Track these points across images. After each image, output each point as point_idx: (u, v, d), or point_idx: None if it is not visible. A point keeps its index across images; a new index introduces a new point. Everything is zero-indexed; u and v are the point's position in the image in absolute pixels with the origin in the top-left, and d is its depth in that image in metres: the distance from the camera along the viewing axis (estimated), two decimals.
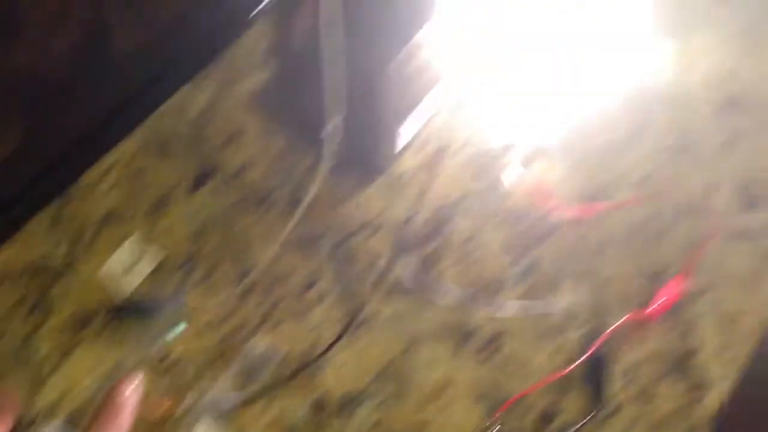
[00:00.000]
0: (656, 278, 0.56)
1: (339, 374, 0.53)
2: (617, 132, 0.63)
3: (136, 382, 0.45)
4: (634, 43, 0.67)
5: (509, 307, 0.55)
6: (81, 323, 0.55)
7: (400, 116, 0.57)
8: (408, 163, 0.62)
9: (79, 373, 0.53)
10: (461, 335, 0.55)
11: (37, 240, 0.58)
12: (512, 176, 0.60)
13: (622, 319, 0.54)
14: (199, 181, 0.60)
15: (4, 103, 0.51)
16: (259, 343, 0.54)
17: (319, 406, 0.52)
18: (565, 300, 0.56)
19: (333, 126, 0.52)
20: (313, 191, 0.54)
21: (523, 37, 0.67)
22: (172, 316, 0.54)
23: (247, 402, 0.52)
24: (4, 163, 0.54)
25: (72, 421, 0.51)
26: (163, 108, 0.64)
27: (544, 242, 0.58)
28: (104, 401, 0.47)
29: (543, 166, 0.61)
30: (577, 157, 0.62)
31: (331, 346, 0.54)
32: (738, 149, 0.62)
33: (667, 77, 0.65)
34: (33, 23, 0.50)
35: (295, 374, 0.53)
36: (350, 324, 0.54)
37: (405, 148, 0.62)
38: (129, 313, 0.54)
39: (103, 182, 0.61)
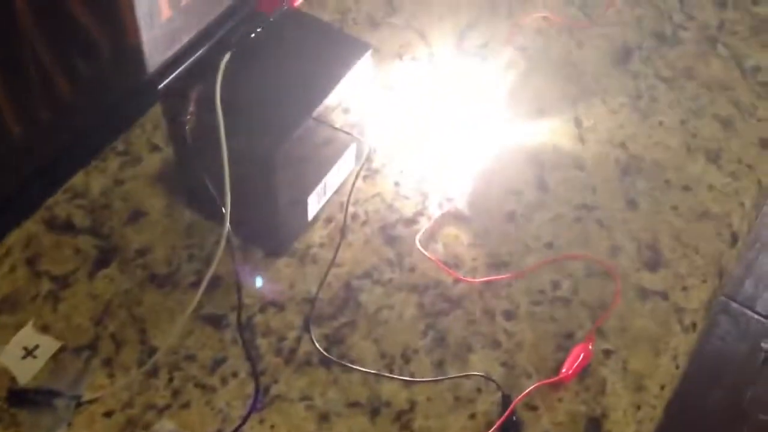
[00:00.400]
0: (566, 341, 0.57)
1: None
2: (522, 199, 0.65)
3: None
4: (531, 113, 0.71)
5: (422, 377, 0.55)
6: None
7: (302, 193, 0.58)
8: (316, 236, 0.62)
9: None
10: (375, 407, 0.54)
11: None
12: (420, 246, 0.62)
13: (535, 384, 0.55)
14: (101, 263, 0.59)
15: None
16: (165, 428, 0.52)
17: None
18: (476, 368, 0.56)
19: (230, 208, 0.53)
20: (213, 268, 0.53)
21: (428, 111, 0.70)
22: (72, 403, 0.52)
23: None
24: None
25: None
26: (62, 189, 0.63)
27: (453, 311, 0.59)
28: None
29: (451, 235, 0.63)
30: (484, 225, 0.63)
31: (239, 426, 0.52)
32: (641, 210, 0.65)
33: (569, 143, 0.69)
34: None
35: None
36: (255, 403, 0.53)
37: (312, 222, 0.62)
38: (24, 402, 0.52)
39: (1, 267, 0.59)
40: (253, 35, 0.53)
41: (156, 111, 0.69)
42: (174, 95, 0.52)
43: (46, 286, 0.58)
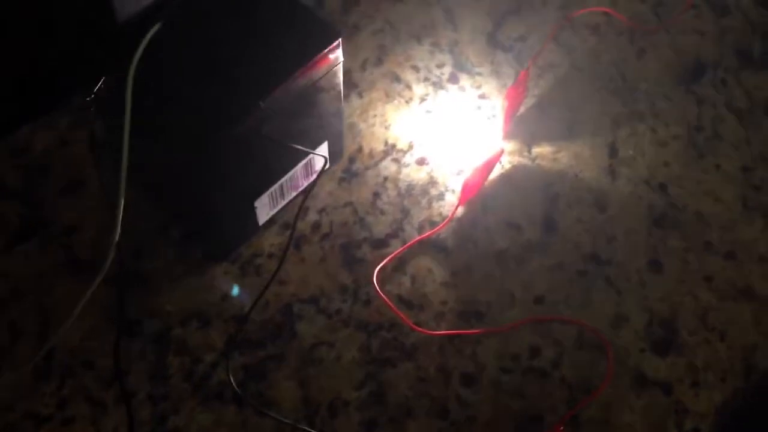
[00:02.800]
0: (529, 426, 0.48)
1: None
2: (519, 236, 0.55)
3: None
4: (557, 130, 0.60)
5: None
6: None
7: (249, 194, 0.50)
8: (266, 243, 0.54)
9: None
10: None
11: None
12: (381, 276, 0.53)
13: None
14: (20, 237, 0.54)
15: None
16: None
17: None
18: None
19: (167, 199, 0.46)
20: (105, 269, 0.46)
21: (434, 110, 0.61)
22: None
23: None
24: None
25: None
26: (2, 143, 0.58)
27: (402, 364, 0.50)
28: None
29: (421, 269, 0.54)
30: (464, 262, 0.54)
31: None
32: (664, 274, 0.54)
33: (595, 175, 0.58)
34: None
35: None
36: None
37: (266, 226, 0.55)
38: None
39: None
40: (196, 6, 0.45)
41: None
42: (86, 75, 0.44)
43: None
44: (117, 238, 0.44)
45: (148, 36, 0.42)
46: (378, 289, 0.52)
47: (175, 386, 0.49)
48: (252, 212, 0.52)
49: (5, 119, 0.58)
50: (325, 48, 0.47)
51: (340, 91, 0.52)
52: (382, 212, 0.56)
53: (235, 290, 0.53)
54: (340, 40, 0.47)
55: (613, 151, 0.59)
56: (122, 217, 0.55)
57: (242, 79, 0.45)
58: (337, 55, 0.49)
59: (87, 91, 0.46)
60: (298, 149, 0.49)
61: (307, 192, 0.55)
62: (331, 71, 0.49)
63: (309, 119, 0.52)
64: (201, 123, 0.43)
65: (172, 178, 0.48)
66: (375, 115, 0.61)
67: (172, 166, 0.46)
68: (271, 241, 0.55)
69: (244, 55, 0.46)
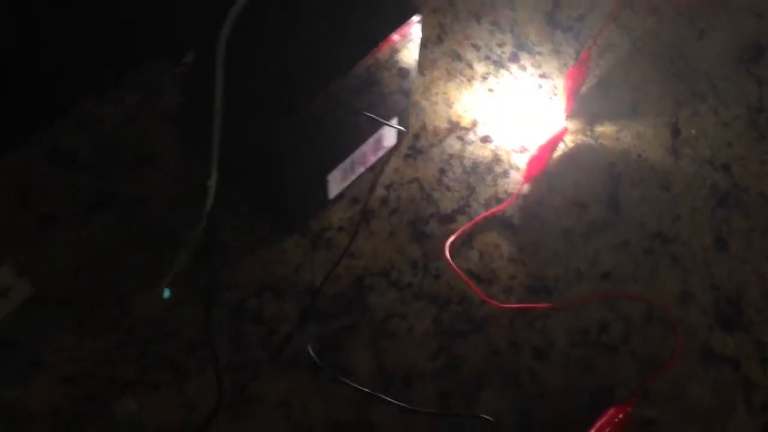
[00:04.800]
0: (602, 398, 0.50)
1: None
2: (585, 214, 0.56)
3: None
4: (620, 111, 0.61)
5: (421, 407, 0.49)
6: None
7: (322, 168, 0.51)
8: (335, 217, 0.56)
9: None
10: (360, 431, 0.49)
11: None
12: (451, 250, 0.54)
13: None
14: (95, 208, 0.55)
15: None
16: (126, 407, 0.49)
17: None
18: (486, 409, 0.49)
19: (238, 173, 0.47)
20: (196, 239, 0.48)
21: (497, 90, 0.62)
22: (30, 360, 0.49)
23: None
24: None
25: None
26: (69, 116, 0.59)
27: (473, 336, 0.52)
28: None
29: (489, 245, 0.55)
30: (531, 239, 0.55)
31: (206, 424, 0.48)
32: (730, 253, 0.55)
33: (658, 155, 0.59)
34: None
35: None
36: (234, 401, 0.49)
37: (335, 200, 0.56)
38: None
39: None
40: None
41: None
42: (179, 39, 0.46)
43: (32, 223, 0.55)
44: (208, 208, 0.45)
45: (237, 8, 0.43)
46: (450, 262, 0.53)
47: (253, 355, 0.51)
48: (323, 186, 0.54)
49: (76, 89, 0.60)
50: (403, 23, 0.48)
51: (413, 68, 0.53)
52: (448, 189, 0.57)
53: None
54: (418, 16, 0.48)
55: (675, 131, 0.60)
56: (194, 192, 0.57)
57: (324, 53, 0.46)
58: (413, 30, 0.50)
59: (169, 62, 0.47)
60: (381, 122, 0.50)
61: (376, 167, 0.57)
62: (406, 47, 0.50)
63: (381, 95, 0.53)
64: (287, 93, 0.45)
65: (251, 150, 0.50)
66: (437, 93, 0.62)
67: (255, 137, 0.47)
68: (340, 215, 0.56)
69: (326, 29, 0.47)
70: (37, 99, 0.57)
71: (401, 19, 0.48)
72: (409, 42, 0.51)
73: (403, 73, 0.53)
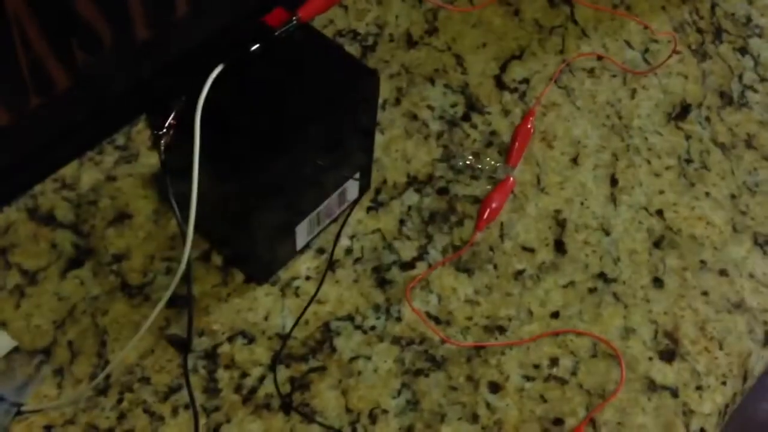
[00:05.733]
0: (553, 428, 0.54)
1: None
2: (535, 258, 0.61)
3: None
4: (562, 162, 0.67)
5: None
6: None
7: (290, 222, 0.56)
8: (303, 267, 0.60)
9: None
10: None
11: None
12: (412, 295, 0.59)
13: None
14: (73, 264, 0.59)
15: None
16: None
17: None
18: None
19: (212, 227, 0.51)
20: (172, 287, 0.52)
21: (449, 145, 0.67)
22: (10, 411, 0.52)
23: None
24: None
25: None
26: (52, 177, 0.63)
27: (434, 374, 0.56)
28: None
29: (446, 288, 0.60)
30: (486, 282, 0.60)
31: None
32: (666, 290, 0.61)
33: (599, 202, 0.65)
34: None
35: None
36: None
37: (302, 251, 0.60)
38: None
39: None
40: (251, 49, 0.51)
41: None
42: (158, 104, 0.50)
43: (14, 279, 0.58)
44: (186, 262, 0.49)
45: (212, 76, 0.48)
46: (411, 306, 0.58)
47: (226, 398, 0.54)
48: (292, 238, 0.58)
49: (55, 158, 0.63)
50: (366, 88, 0.54)
51: (373, 128, 0.58)
52: (408, 238, 0.62)
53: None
54: (378, 81, 0.54)
55: (613, 181, 0.66)
56: (172, 248, 0.61)
57: (291, 116, 0.51)
58: (374, 94, 0.56)
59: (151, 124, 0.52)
60: (343, 176, 0.55)
61: (340, 219, 0.61)
62: (368, 109, 0.56)
63: (345, 153, 0.58)
64: (257, 154, 0.49)
65: (223, 206, 0.54)
66: (397, 150, 0.67)
67: (226, 194, 0.52)
68: (308, 264, 0.60)
69: (293, 94, 0.52)
70: (20, 165, 0.61)
71: (363, 85, 0.54)
72: (371, 105, 0.56)
73: (365, 133, 0.58)
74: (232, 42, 0.53)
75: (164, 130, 0.48)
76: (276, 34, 0.53)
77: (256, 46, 0.52)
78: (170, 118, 0.48)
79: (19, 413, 0.52)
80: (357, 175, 0.60)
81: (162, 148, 0.48)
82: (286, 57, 0.54)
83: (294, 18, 0.54)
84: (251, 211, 0.52)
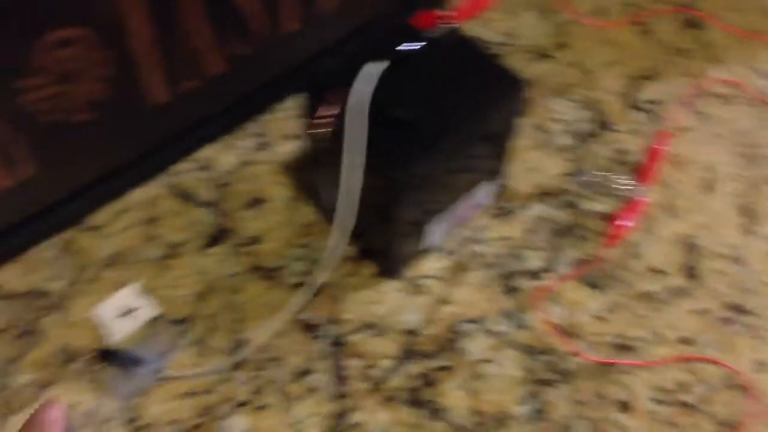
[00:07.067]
0: None
1: None
2: (665, 281, 0.63)
3: (62, 407, 0.48)
4: (695, 187, 0.68)
5: None
6: (65, 360, 0.56)
7: (426, 219, 0.58)
8: (432, 266, 0.62)
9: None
10: None
11: (40, 267, 0.61)
12: (538, 307, 0.61)
13: None
14: (212, 241, 0.62)
15: (33, 130, 0.55)
16: (237, 425, 0.54)
17: None
18: None
19: (337, 220, 0.54)
20: (326, 276, 0.55)
21: (579, 160, 0.69)
22: (154, 374, 0.55)
23: None
24: (22, 185, 0.57)
25: None
26: (191, 160, 0.67)
27: (561, 386, 0.57)
28: (31, 419, 0.49)
29: (576, 302, 0.61)
30: (614, 300, 0.62)
31: None
32: None
33: (733, 232, 0.65)
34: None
35: None
36: (336, 427, 0.54)
37: (430, 252, 0.63)
38: (113, 360, 0.55)
39: (117, 222, 0.63)
40: (408, 50, 0.54)
41: (297, 101, 0.71)
42: (317, 92, 0.53)
43: (157, 250, 0.62)
44: (333, 250, 0.52)
45: (379, 71, 0.51)
46: (541, 316, 0.59)
47: (354, 386, 0.56)
48: (424, 236, 0.60)
49: (197, 140, 0.68)
50: (514, 95, 0.56)
51: (513, 136, 0.60)
52: (537, 248, 0.64)
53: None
54: (525, 90, 0.56)
55: (748, 211, 0.67)
56: (304, 234, 0.64)
57: (441, 115, 0.54)
58: (520, 103, 0.58)
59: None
60: (478, 180, 0.57)
61: (469, 224, 0.64)
62: (512, 117, 0.58)
63: (484, 157, 0.60)
64: (408, 148, 0.52)
65: (366, 197, 0.56)
66: (525, 161, 0.69)
67: (372, 186, 0.54)
68: (436, 264, 0.62)
69: (444, 94, 0.55)
70: (164, 144, 0.65)
71: (511, 90, 0.56)
72: (515, 113, 0.58)
73: (505, 140, 0.60)
74: (383, 41, 0.56)
75: (326, 118, 0.51)
76: (428, 35, 0.56)
77: (412, 45, 0.55)
78: (325, 108, 0.51)
79: (161, 377, 0.55)
80: (492, 181, 0.63)
81: (315, 136, 0.51)
82: (436, 58, 0.57)
83: (447, 21, 0.57)
84: (395, 204, 0.54)
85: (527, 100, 0.72)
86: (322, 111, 0.52)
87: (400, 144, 0.52)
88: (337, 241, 0.53)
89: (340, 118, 0.52)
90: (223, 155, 0.68)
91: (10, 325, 0.58)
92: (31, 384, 0.56)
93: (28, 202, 0.60)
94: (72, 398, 0.55)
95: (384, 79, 0.53)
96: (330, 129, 0.52)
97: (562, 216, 0.66)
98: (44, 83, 0.52)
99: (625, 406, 0.56)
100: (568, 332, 0.60)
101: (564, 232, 0.65)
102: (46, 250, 0.61)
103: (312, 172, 0.62)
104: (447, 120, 0.53)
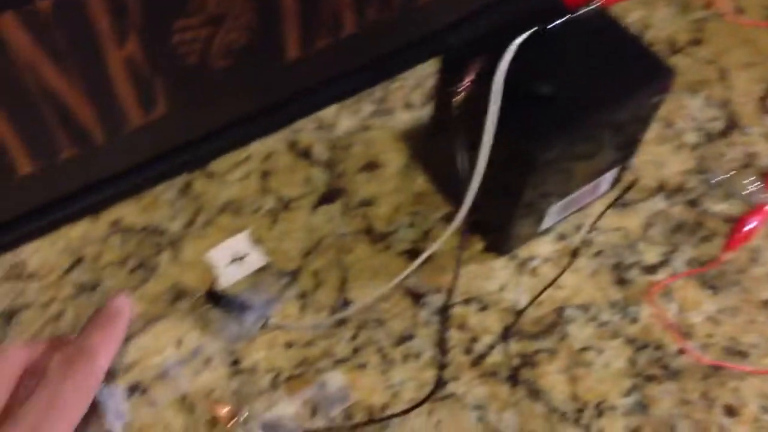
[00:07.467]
0: None
1: None
2: None
3: (129, 300, 0.51)
4: None
5: None
6: (174, 298, 0.59)
7: (546, 201, 0.58)
8: (543, 249, 0.62)
9: (155, 346, 0.56)
10: None
11: (159, 206, 0.63)
12: (650, 301, 0.59)
13: None
14: (325, 199, 0.64)
15: (169, 70, 0.57)
16: (335, 380, 0.56)
17: None
18: None
19: (470, 191, 0.54)
20: (436, 246, 0.55)
21: (707, 162, 0.67)
22: (258, 321, 0.57)
23: None
24: (151, 126, 0.60)
25: (130, 390, 0.54)
26: (312, 118, 0.69)
27: (666, 383, 0.56)
28: (98, 310, 0.52)
29: (690, 300, 0.60)
30: (730, 304, 0.60)
31: (406, 411, 0.54)
32: None
33: None
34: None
35: (359, 426, 0.54)
36: (433, 394, 0.55)
37: (544, 233, 0.62)
38: (220, 303, 0.57)
39: (235, 171, 0.65)
40: (550, 26, 0.54)
41: (422, 70, 0.72)
42: (454, 62, 0.54)
43: (270, 202, 0.64)
44: (464, 215, 0.52)
45: (516, 44, 0.51)
46: (655, 308, 0.58)
47: (455, 357, 0.57)
48: (541, 217, 0.60)
49: (319, 99, 0.69)
50: (660, 83, 0.55)
51: (648, 125, 0.59)
52: (653, 242, 0.63)
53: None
54: (673, 79, 0.55)
55: None
56: (417, 203, 0.64)
57: (583, 96, 0.53)
58: (665, 92, 0.57)
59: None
60: (605, 166, 0.56)
61: (586, 210, 0.63)
62: (654, 105, 0.57)
63: (617, 144, 0.59)
64: (547, 126, 0.52)
65: (492, 172, 0.57)
66: (649, 153, 0.68)
67: (502, 161, 0.54)
68: (547, 247, 0.62)
69: (588, 75, 0.54)
70: (285, 101, 0.67)
71: (655, 79, 0.55)
72: (658, 101, 0.57)
73: (640, 128, 0.59)
74: (528, 14, 0.56)
75: (461, 88, 0.51)
76: (574, 14, 0.55)
77: (557, 22, 0.54)
78: (466, 79, 0.52)
79: (265, 325, 0.57)
80: (616, 169, 0.62)
81: (454, 105, 0.52)
82: (582, 38, 0.56)
83: (594, 2, 0.56)
84: (522, 182, 0.54)
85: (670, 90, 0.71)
86: (458, 81, 0.53)
87: (539, 120, 0.51)
88: (459, 212, 0.53)
89: (475, 89, 0.52)
90: (343, 117, 0.69)
91: (125, 258, 0.61)
92: (140, 317, 0.58)
93: (154, 143, 0.63)
94: (178, 334, 0.57)
95: (527, 54, 0.53)
96: (463, 99, 0.53)
97: (683, 213, 0.64)
98: (196, 24, 0.54)
99: (731, 411, 0.55)
100: (678, 330, 0.58)
101: (684, 229, 0.64)
102: (166, 191, 0.64)
103: (434, 142, 0.63)
104: (589, 100, 0.53)
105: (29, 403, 0.46)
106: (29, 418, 0.45)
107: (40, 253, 0.60)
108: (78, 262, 0.60)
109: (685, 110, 0.71)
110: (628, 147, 0.61)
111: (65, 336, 0.55)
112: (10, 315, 0.57)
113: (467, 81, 0.52)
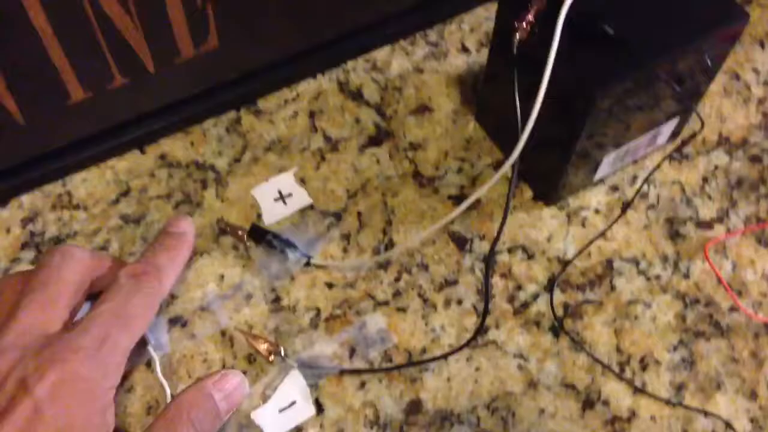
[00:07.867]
0: None
1: (443, 387, 0.54)
2: None
3: (191, 221, 0.54)
4: None
5: (654, 392, 0.53)
6: (218, 232, 0.60)
7: (601, 149, 0.56)
8: (594, 199, 0.61)
9: (197, 281, 0.57)
10: (590, 400, 0.53)
11: (206, 141, 0.64)
12: (704, 256, 0.58)
13: None
14: (373, 141, 0.64)
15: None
16: (375, 322, 0.56)
17: (411, 411, 0.53)
18: (719, 409, 0.53)
19: (523, 136, 0.53)
20: (484, 190, 0.55)
21: None
22: (301, 260, 0.58)
23: (344, 374, 0.54)
24: (203, 59, 0.60)
25: (171, 323, 0.56)
26: (364, 59, 0.68)
27: (715, 339, 0.55)
28: (165, 233, 0.54)
29: (744, 258, 0.58)
30: None
31: (446, 355, 0.54)
32: None
33: None
34: None
35: (398, 368, 0.54)
36: (473, 340, 0.55)
37: (596, 183, 0.61)
38: (263, 241, 0.58)
39: (284, 109, 0.66)
40: None
41: (478, 14, 0.71)
42: (514, 0, 0.52)
43: (317, 142, 0.64)
44: (517, 156, 0.51)
45: None
46: (710, 263, 0.57)
47: (498, 305, 0.57)
48: (595, 167, 0.59)
49: (372, 39, 0.68)
50: (732, 26, 0.53)
51: (716, 73, 0.57)
52: (710, 197, 0.61)
53: None
54: (746, 24, 0.53)
55: None
56: (466, 149, 0.64)
57: (651, 37, 0.51)
58: (738, 37, 0.54)
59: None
60: (665, 116, 0.54)
61: (641, 162, 0.62)
62: (724, 52, 0.55)
63: (681, 91, 0.57)
64: (610, 68, 0.50)
65: (547, 117, 0.56)
66: (712, 107, 0.66)
67: (560, 105, 0.53)
68: (599, 198, 0.61)
69: (658, 16, 0.52)
70: (336, 41, 0.67)
71: (729, 22, 0.53)
72: (729, 46, 0.55)
73: (707, 77, 0.57)
74: None
75: (523, 25, 0.50)
76: None
77: None
78: (529, 14, 0.50)
79: (307, 264, 0.58)
80: (676, 120, 0.60)
81: (514, 43, 0.51)
82: None
83: None
84: (579, 127, 0.53)
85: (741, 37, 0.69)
86: (518, 20, 0.51)
87: (600, 61, 0.50)
88: (510, 157, 0.53)
89: (535, 28, 0.51)
90: (396, 59, 0.68)
91: (171, 192, 0.62)
92: None
93: (204, 77, 0.63)
94: (220, 270, 0.58)
95: None
96: (522, 38, 0.51)
97: (744, 169, 0.62)
98: None
99: None
100: (731, 287, 0.57)
101: (743, 185, 0.62)
102: (214, 127, 0.65)
103: (488, 87, 0.62)
104: (656, 42, 0.51)
105: (97, 313, 0.48)
106: (97, 328, 0.46)
107: (88, 183, 0.62)
108: (124, 194, 0.61)
109: (754, 63, 0.68)
110: (690, 97, 0.59)
111: (123, 259, 0.57)
112: (57, 242, 0.59)
113: (527, 20, 0.51)
